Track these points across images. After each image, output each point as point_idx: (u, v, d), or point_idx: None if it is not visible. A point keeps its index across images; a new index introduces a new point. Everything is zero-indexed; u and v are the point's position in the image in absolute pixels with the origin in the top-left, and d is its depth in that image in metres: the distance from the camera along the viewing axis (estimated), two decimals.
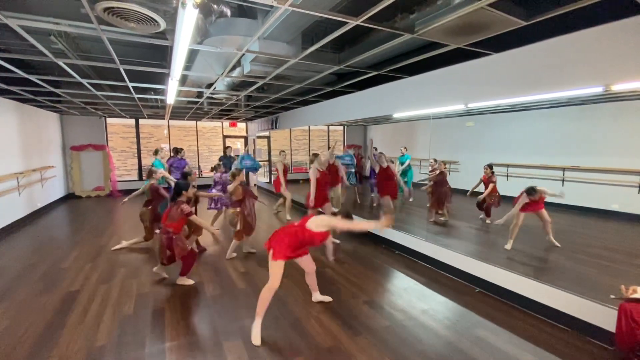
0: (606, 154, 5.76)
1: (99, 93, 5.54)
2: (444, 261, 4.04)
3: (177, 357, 2.46)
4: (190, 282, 3.73)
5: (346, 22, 2.51)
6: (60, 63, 3.67)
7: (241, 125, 12.61)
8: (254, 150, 10.93)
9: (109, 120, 10.23)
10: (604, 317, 2.51)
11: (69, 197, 9.44)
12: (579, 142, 6.47)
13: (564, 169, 6.88)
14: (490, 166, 5.51)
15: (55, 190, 8.58)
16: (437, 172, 6.01)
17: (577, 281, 3.48)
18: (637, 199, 5.19)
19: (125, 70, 4.04)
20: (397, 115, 4.84)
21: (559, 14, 2.31)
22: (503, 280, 3.35)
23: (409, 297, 3.46)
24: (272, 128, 9.83)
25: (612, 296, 2.25)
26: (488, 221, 5.71)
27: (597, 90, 2.68)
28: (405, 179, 7.18)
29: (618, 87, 2.65)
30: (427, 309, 3.19)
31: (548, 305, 2.95)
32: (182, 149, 6.69)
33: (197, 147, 11.67)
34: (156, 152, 6.37)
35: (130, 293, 3.48)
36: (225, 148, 9.29)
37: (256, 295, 2.65)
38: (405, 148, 7.44)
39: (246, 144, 12.55)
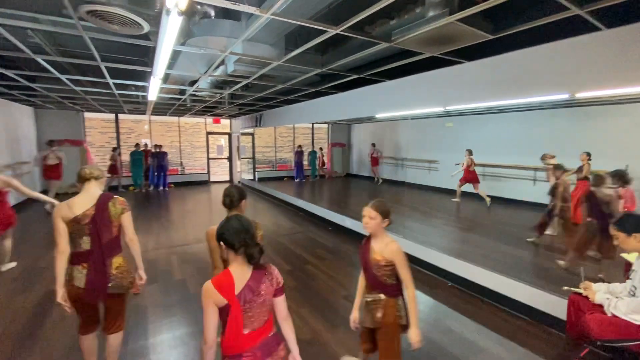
0: (574, 155, 6.11)
1: (77, 88, 5.43)
2: (420, 257, 4.24)
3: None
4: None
5: (326, 31, 2.62)
6: (39, 59, 3.60)
7: (225, 122, 12.52)
8: None
9: (87, 114, 9.94)
10: (560, 307, 2.75)
11: (44, 194, 9.15)
12: (548, 143, 6.83)
13: (535, 169, 7.27)
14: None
15: (29, 186, 8.31)
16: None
17: (540, 274, 3.75)
18: None
19: (106, 67, 4.01)
20: (378, 116, 5.00)
21: (524, 29, 2.50)
22: (473, 275, 3.57)
23: None
24: (257, 125, 9.83)
25: (565, 287, 2.48)
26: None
27: (564, 96, 2.94)
28: None
29: (581, 95, 2.93)
30: None
31: (512, 297, 3.19)
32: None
33: (180, 143, 11.51)
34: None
35: None
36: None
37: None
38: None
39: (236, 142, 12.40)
